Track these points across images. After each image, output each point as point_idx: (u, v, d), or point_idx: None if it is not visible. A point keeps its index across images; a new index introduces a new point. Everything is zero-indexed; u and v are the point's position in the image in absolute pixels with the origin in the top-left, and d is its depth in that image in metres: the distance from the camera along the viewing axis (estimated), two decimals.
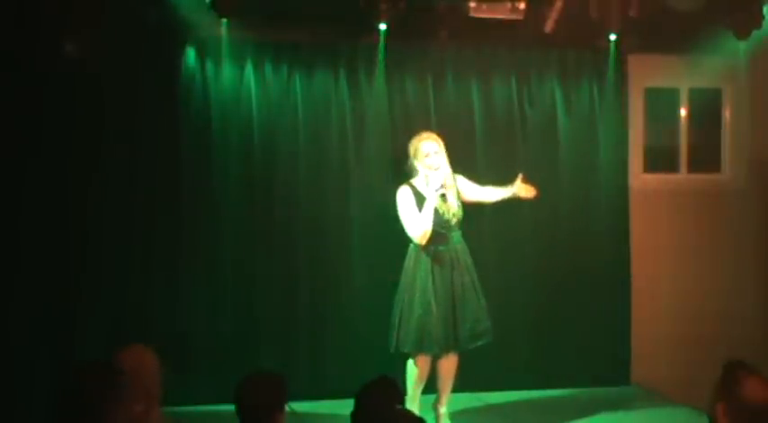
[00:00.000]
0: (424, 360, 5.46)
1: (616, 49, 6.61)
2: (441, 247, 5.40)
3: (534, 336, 6.59)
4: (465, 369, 5.87)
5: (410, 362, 5.46)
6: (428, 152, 5.40)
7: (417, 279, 5.38)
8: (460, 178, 5.58)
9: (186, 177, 6.10)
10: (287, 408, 3.25)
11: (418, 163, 5.42)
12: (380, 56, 6.23)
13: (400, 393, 3.37)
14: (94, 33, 5.63)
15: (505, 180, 5.62)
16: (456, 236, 5.46)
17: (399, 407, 3.17)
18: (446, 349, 5.45)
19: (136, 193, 6.00)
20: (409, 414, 3.13)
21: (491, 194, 5.65)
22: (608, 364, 6.71)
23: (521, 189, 5.56)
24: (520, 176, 5.54)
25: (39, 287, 5.78)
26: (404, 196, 5.42)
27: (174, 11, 5.74)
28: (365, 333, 6.10)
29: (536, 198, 5.65)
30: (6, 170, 5.76)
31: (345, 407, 3.38)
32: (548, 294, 6.61)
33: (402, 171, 5.54)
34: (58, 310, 5.82)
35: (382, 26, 5.91)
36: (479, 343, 5.50)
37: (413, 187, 5.43)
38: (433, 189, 5.31)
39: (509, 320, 6.44)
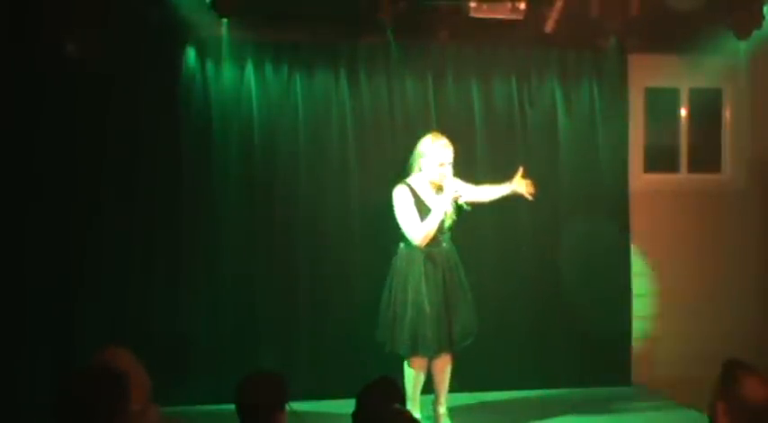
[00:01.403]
0: (421, 361, 5.46)
1: (616, 49, 6.61)
2: (434, 249, 5.39)
3: (534, 336, 6.58)
4: (465, 369, 5.87)
5: (407, 365, 5.46)
6: (444, 161, 5.33)
7: (410, 280, 5.36)
8: (458, 182, 5.55)
9: (186, 177, 6.10)
10: (287, 408, 3.25)
11: (427, 163, 5.37)
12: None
13: (401, 393, 3.38)
14: (95, 33, 5.63)
15: (505, 180, 5.59)
16: (446, 237, 5.46)
17: (396, 406, 3.16)
18: (440, 350, 5.45)
19: (136, 193, 6.01)
20: (405, 414, 3.12)
21: (488, 193, 5.59)
22: (608, 364, 6.71)
23: (520, 184, 5.51)
24: (520, 171, 5.51)
25: (39, 287, 5.79)
26: (402, 196, 5.38)
27: (175, 11, 5.74)
28: (365, 333, 6.08)
29: (533, 196, 5.56)
30: (7, 170, 5.75)
31: (345, 407, 3.38)
32: (547, 294, 6.60)
33: (402, 171, 5.53)
34: (58, 311, 5.82)
35: (389, 28, 5.90)
36: (469, 341, 5.50)
37: (410, 187, 5.40)
38: (449, 196, 5.27)
39: (509, 320, 6.46)
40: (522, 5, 5.87)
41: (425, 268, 5.36)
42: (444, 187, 5.32)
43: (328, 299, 6.27)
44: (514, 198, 5.61)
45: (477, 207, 5.80)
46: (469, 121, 6.53)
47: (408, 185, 5.41)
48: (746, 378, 2.73)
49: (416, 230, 5.32)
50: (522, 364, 6.54)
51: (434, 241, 5.38)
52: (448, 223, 5.41)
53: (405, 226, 5.37)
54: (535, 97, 6.66)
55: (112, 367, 2.87)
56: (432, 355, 5.47)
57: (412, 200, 5.36)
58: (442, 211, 5.30)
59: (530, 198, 5.56)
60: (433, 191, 5.40)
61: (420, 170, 5.41)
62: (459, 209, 5.38)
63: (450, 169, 5.36)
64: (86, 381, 2.74)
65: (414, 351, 5.38)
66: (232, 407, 3.21)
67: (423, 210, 5.35)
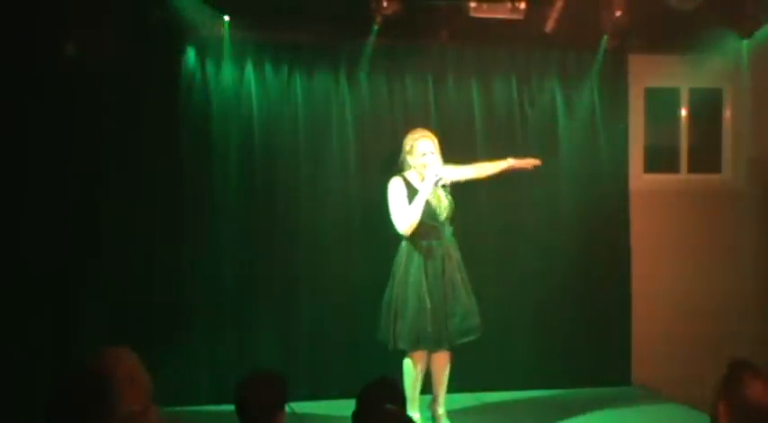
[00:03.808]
0: (420, 356, 5.46)
1: (616, 49, 6.61)
2: (435, 243, 5.41)
3: (534, 335, 6.58)
4: (465, 369, 5.87)
5: (406, 361, 5.46)
6: (424, 151, 5.43)
7: (410, 274, 5.38)
8: (449, 168, 5.59)
9: (186, 177, 6.10)
10: (287, 408, 3.25)
11: (412, 160, 5.45)
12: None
13: (401, 394, 3.37)
14: (95, 33, 5.63)
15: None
16: (448, 232, 5.48)
17: (389, 406, 3.16)
18: (438, 345, 5.45)
19: (136, 194, 5.99)
20: (400, 414, 3.12)
21: (484, 169, 5.72)
22: (608, 364, 6.71)
23: (520, 162, 5.73)
24: (532, 160, 5.79)
25: (38, 286, 5.78)
26: (396, 188, 5.44)
27: (176, 11, 5.73)
28: (365, 333, 6.08)
29: (536, 168, 5.80)
30: (8, 170, 5.75)
31: (345, 407, 3.38)
32: (548, 294, 6.60)
33: (395, 172, 5.56)
34: (59, 310, 5.82)
35: (375, 27, 5.92)
36: (468, 339, 5.49)
37: (405, 179, 5.45)
38: (431, 181, 5.32)
39: (509, 320, 6.45)
40: (522, 5, 5.89)
41: (425, 262, 5.38)
42: (426, 176, 5.37)
43: (328, 299, 6.27)
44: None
45: (477, 207, 5.83)
46: (469, 121, 6.53)
47: (403, 177, 5.47)
48: (752, 380, 2.72)
49: (401, 218, 5.36)
50: (523, 365, 6.53)
51: (434, 233, 5.40)
52: (445, 214, 5.43)
53: (393, 215, 5.41)
54: (535, 97, 6.66)
55: (99, 369, 2.86)
56: (431, 349, 5.47)
57: (405, 192, 5.41)
58: (423, 197, 5.33)
59: (529, 165, 5.79)
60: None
61: (410, 167, 5.47)
62: (453, 200, 5.46)
63: (433, 158, 5.42)
64: (70, 384, 2.74)
65: (416, 345, 5.39)
66: (232, 407, 3.21)
67: None
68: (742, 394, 2.71)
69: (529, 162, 5.76)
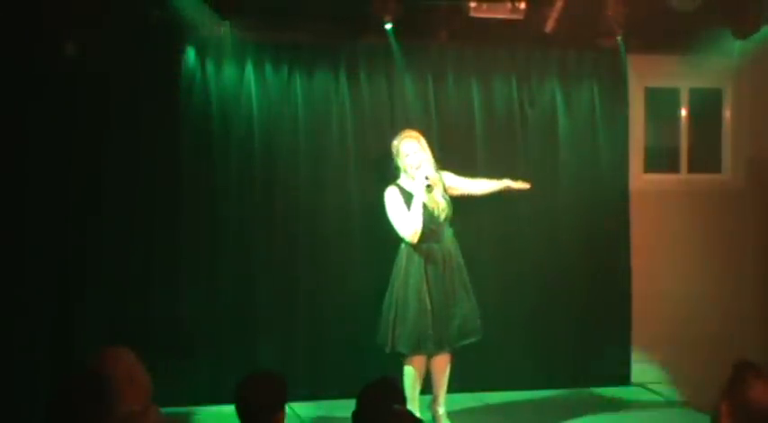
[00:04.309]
0: (420, 360, 5.47)
1: (616, 49, 6.61)
2: (434, 246, 5.43)
3: (534, 335, 6.58)
4: (465, 369, 5.87)
5: (406, 361, 5.46)
6: (408, 152, 5.46)
7: (411, 278, 5.40)
8: (447, 174, 5.63)
9: (186, 177, 6.10)
10: (287, 408, 3.25)
11: (401, 162, 5.48)
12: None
13: (401, 394, 3.38)
14: (95, 33, 5.63)
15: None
16: (448, 234, 5.49)
17: (397, 407, 3.17)
18: (438, 347, 5.46)
19: (136, 193, 6.00)
20: (408, 414, 3.12)
21: (481, 186, 5.75)
22: (608, 364, 6.71)
23: (514, 183, 5.76)
24: (522, 184, 5.78)
25: (38, 287, 5.78)
26: (392, 196, 5.46)
27: (175, 11, 5.73)
28: (365, 333, 6.08)
29: (529, 189, 5.81)
30: (7, 171, 5.75)
31: (345, 407, 3.38)
32: (548, 294, 6.60)
33: (390, 177, 5.59)
34: (58, 311, 5.81)
35: (388, 26, 5.92)
36: (468, 341, 5.52)
37: (400, 187, 5.48)
38: (420, 184, 5.33)
39: (509, 320, 6.45)
40: (522, 5, 5.89)
41: (426, 266, 5.40)
42: (416, 178, 5.38)
43: (328, 299, 6.27)
44: (507, 190, 5.70)
45: (476, 206, 5.82)
46: (469, 121, 6.53)
47: (398, 186, 5.49)
48: (756, 381, 2.73)
49: (404, 226, 5.37)
50: (522, 364, 6.53)
51: (433, 236, 5.42)
52: (443, 216, 5.45)
53: (395, 224, 5.43)
54: (535, 97, 6.66)
55: (98, 369, 2.87)
56: (430, 353, 5.47)
57: (402, 199, 5.43)
58: (419, 201, 5.35)
59: (521, 188, 5.81)
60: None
61: (402, 170, 5.49)
62: (452, 202, 5.49)
63: (415, 158, 5.44)
64: (70, 384, 2.75)
65: (416, 349, 5.40)
66: (232, 407, 3.21)
67: None
68: (745, 396, 2.72)
69: (522, 185, 5.80)
